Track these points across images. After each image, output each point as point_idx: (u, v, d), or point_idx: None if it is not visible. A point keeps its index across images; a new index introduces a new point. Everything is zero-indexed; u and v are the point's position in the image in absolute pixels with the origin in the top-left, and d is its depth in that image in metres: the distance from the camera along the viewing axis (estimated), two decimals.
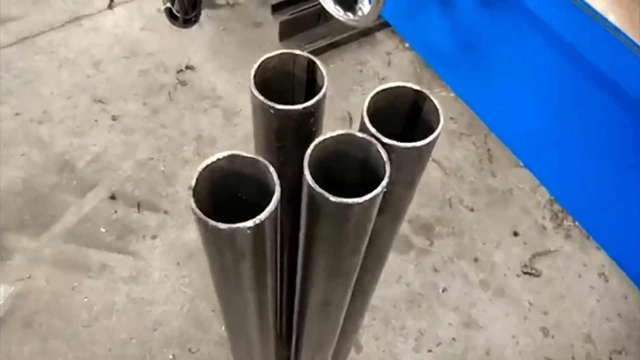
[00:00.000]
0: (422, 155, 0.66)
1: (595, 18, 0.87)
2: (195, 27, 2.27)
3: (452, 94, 2.02)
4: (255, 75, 0.66)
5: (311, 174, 0.59)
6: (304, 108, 0.64)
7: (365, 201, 0.59)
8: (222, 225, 0.56)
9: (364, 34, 2.22)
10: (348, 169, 0.68)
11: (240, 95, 2.07)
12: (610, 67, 0.95)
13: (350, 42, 2.22)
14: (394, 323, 1.65)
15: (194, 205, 0.57)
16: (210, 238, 0.60)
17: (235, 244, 0.59)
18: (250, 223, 0.57)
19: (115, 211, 1.82)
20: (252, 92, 0.64)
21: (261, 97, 0.64)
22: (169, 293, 1.66)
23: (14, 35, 2.25)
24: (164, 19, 2.16)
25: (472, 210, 1.84)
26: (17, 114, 2.02)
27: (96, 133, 1.99)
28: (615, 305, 1.68)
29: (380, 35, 2.24)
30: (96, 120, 2.03)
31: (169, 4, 1.84)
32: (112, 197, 1.85)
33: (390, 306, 1.67)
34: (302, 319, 0.89)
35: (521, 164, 1.83)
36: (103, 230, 1.79)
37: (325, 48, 2.19)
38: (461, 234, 1.79)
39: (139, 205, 1.85)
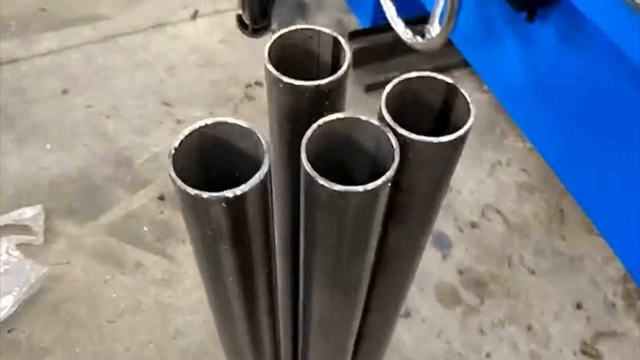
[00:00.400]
0: (444, 155, 0.59)
1: None
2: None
3: (529, 145, 1.91)
4: (271, 48, 0.61)
5: (311, 160, 0.53)
6: (316, 86, 0.58)
7: (365, 191, 0.51)
8: (192, 191, 0.50)
9: (442, 70, 2.16)
10: (358, 164, 0.61)
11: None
12: None
13: None
14: None
15: (171, 170, 0.53)
16: (186, 209, 0.55)
17: (211, 219, 0.53)
18: (228, 193, 0.50)
19: (162, 212, 1.84)
20: (265, 65, 0.59)
21: (271, 68, 0.59)
22: (196, 303, 1.62)
23: (101, 33, 2.39)
24: (243, 34, 2.23)
25: (533, 272, 1.69)
26: (88, 106, 2.12)
27: (159, 134, 2.05)
28: None
29: (458, 73, 2.17)
30: (161, 122, 2.09)
31: (240, 11, 1.88)
32: (161, 198, 1.87)
33: None
34: (305, 343, 0.81)
35: (596, 230, 1.68)
36: (146, 229, 1.80)
37: None
38: (517, 297, 1.64)
39: None
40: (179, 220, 1.80)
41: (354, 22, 2.40)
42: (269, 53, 0.60)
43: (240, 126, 0.57)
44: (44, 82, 2.22)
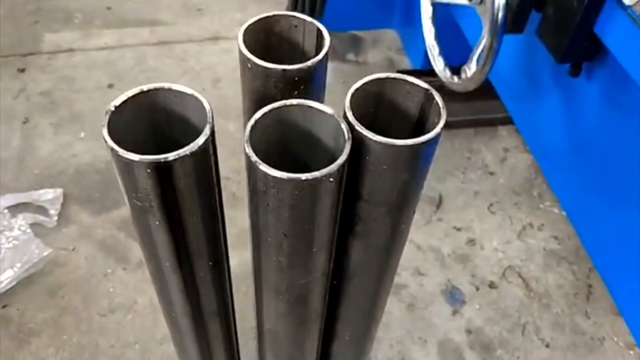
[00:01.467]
0: (405, 162, 0.56)
1: None
2: None
3: (565, 212, 1.87)
4: (249, 30, 0.61)
5: (264, 149, 0.52)
6: (283, 70, 0.58)
7: (304, 180, 0.49)
8: (120, 151, 0.49)
9: (485, 123, 2.17)
10: (318, 160, 0.60)
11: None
12: None
13: (467, 128, 2.18)
14: None
15: (104, 129, 0.52)
16: (118, 175, 0.54)
17: (138, 185, 0.52)
18: (155, 158, 0.48)
19: None
20: (238, 44, 0.59)
21: (243, 47, 0.59)
22: None
23: (157, 37, 2.55)
24: None
25: (547, 345, 1.61)
26: None
27: None
28: None
29: (503, 130, 2.17)
30: None
31: None
32: None
33: None
34: (261, 353, 0.80)
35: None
36: None
37: None
38: None
39: None
40: None
41: (405, 63, 2.45)
42: (245, 34, 0.61)
43: (184, 93, 0.56)
44: (93, 74, 2.36)
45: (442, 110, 0.57)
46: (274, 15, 0.64)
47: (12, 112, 2.18)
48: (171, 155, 0.50)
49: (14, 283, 1.69)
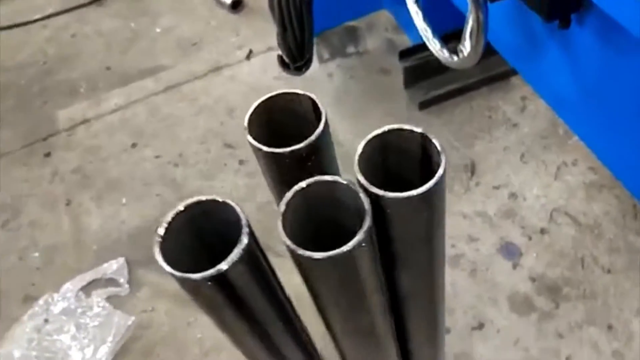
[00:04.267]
0: (421, 206, 0.71)
1: None
2: (324, 75, 2.72)
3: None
4: (251, 116, 0.79)
5: (298, 223, 0.69)
6: (290, 152, 0.75)
7: (341, 254, 0.64)
8: (180, 275, 0.66)
9: (497, 78, 2.45)
10: (346, 218, 0.75)
11: (358, 142, 2.41)
12: None
13: (481, 88, 2.46)
14: None
15: (158, 256, 0.67)
16: (180, 286, 0.70)
17: (201, 292, 0.70)
18: (209, 273, 0.64)
19: None
20: (247, 139, 0.74)
21: (250, 139, 0.77)
22: None
23: (163, 83, 2.86)
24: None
25: (608, 271, 1.91)
26: (157, 157, 2.56)
27: (224, 176, 2.44)
28: None
29: (516, 80, 2.44)
30: (225, 164, 2.49)
31: (279, 52, 2.22)
32: None
33: None
34: None
35: None
36: None
37: (451, 93, 2.45)
38: (593, 298, 1.87)
39: None
40: None
41: (405, 40, 2.73)
42: (251, 119, 0.80)
43: (218, 201, 0.71)
44: (115, 138, 2.67)
45: (440, 151, 0.73)
46: (269, 98, 0.84)
47: (53, 197, 2.50)
48: (224, 265, 0.67)
49: (110, 357, 2.01)
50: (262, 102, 0.84)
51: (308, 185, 0.75)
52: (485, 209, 2.13)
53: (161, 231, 0.71)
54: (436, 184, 0.70)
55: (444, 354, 1.38)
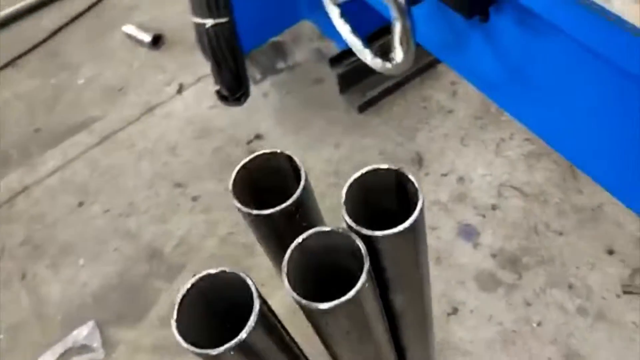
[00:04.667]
0: (407, 237, 0.81)
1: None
2: (259, 96, 2.80)
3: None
4: (236, 178, 0.87)
5: (302, 271, 0.78)
6: (278, 211, 0.83)
7: (347, 301, 0.73)
8: (198, 350, 0.72)
9: (425, 68, 2.59)
10: (342, 258, 0.83)
11: (308, 155, 2.51)
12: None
13: (412, 80, 2.59)
14: None
15: (177, 334, 0.74)
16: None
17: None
18: (231, 344, 0.70)
19: None
20: (235, 205, 0.82)
21: (237, 203, 0.85)
22: None
23: (97, 135, 2.85)
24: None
25: (560, 234, 2.07)
26: (106, 211, 2.56)
27: (179, 217, 2.47)
28: None
29: (442, 67, 2.59)
30: (178, 204, 2.52)
31: (217, 86, 2.31)
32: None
33: (483, 349, 1.93)
34: None
35: None
36: None
37: (387, 91, 2.57)
38: (551, 261, 2.02)
39: None
40: None
41: (332, 47, 2.81)
42: (235, 183, 0.87)
43: (228, 273, 0.78)
44: (58, 200, 2.65)
45: (416, 185, 0.83)
46: (249, 160, 0.93)
47: (6, 275, 2.46)
48: (243, 334, 0.75)
49: None
50: (242, 167, 0.91)
51: (304, 240, 0.83)
52: (438, 197, 2.26)
53: (175, 314, 0.77)
54: (418, 216, 0.79)
55: (434, 350, 1.49)
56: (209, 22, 2.01)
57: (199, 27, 2.04)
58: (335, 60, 2.62)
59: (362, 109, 2.58)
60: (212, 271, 0.81)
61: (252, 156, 0.94)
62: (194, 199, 2.54)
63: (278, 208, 0.86)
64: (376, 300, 0.91)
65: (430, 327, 1.27)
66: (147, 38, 3.13)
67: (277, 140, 2.63)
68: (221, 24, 2.03)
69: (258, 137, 2.66)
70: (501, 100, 1.86)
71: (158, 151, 2.75)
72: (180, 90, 2.95)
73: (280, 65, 2.90)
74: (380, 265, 0.85)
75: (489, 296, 2.01)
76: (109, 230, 2.53)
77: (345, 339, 0.92)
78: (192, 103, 2.89)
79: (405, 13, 1.42)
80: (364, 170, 0.86)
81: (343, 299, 0.76)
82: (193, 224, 2.46)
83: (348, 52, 2.60)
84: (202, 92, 2.90)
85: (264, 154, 0.94)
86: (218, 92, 2.23)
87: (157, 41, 3.15)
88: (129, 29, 3.21)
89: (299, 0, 2.80)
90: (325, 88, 2.72)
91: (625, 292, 1.90)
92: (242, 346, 0.76)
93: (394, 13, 1.44)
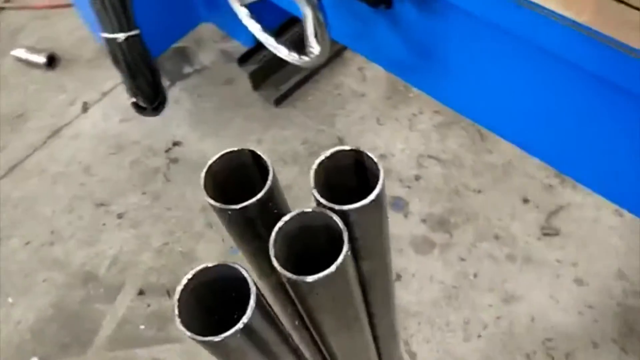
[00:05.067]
0: (376, 205, 0.90)
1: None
2: (171, 102, 2.83)
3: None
4: (206, 177, 0.91)
5: (282, 254, 0.83)
6: (248, 205, 0.89)
7: (331, 273, 0.82)
8: (197, 337, 0.76)
9: (333, 57, 2.75)
10: (315, 239, 0.92)
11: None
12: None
13: (322, 69, 2.74)
14: (438, 322, 2.09)
15: (178, 322, 0.77)
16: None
17: (223, 351, 0.82)
18: (239, 326, 0.75)
19: (149, 305, 2.26)
20: (207, 201, 0.87)
21: (210, 200, 0.90)
22: None
23: (2, 167, 2.76)
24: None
25: (479, 191, 2.30)
26: (27, 243, 2.49)
27: (107, 236, 2.46)
28: (636, 237, 2.09)
29: (348, 53, 2.76)
30: (104, 224, 2.51)
31: (133, 99, 2.34)
32: (141, 293, 2.30)
33: (430, 308, 2.12)
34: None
35: None
36: (142, 327, 2.21)
37: (300, 83, 2.70)
38: (476, 218, 2.24)
39: (168, 293, 2.32)
40: (168, 304, 2.24)
41: (238, 47, 2.84)
42: (206, 182, 0.92)
43: (227, 266, 0.81)
44: None
45: (375, 161, 0.91)
46: (215, 160, 0.97)
47: None
48: (245, 318, 0.79)
49: None
50: (210, 166, 0.96)
51: (286, 222, 0.90)
52: None
53: (176, 311, 0.82)
54: (381, 191, 0.90)
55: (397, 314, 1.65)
56: (121, 36, 2.05)
57: (110, 43, 2.07)
58: (243, 59, 2.72)
59: (278, 102, 2.70)
60: (210, 265, 0.88)
61: (215, 157, 0.99)
62: (120, 215, 2.54)
63: (255, 198, 0.93)
64: (353, 267, 1.01)
65: (393, 292, 1.41)
66: (41, 59, 3.05)
67: (197, 145, 2.69)
68: (132, 36, 2.07)
69: (176, 144, 2.71)
70: (409, 77, 2.04)
71: (72, 173, 2.70)
72: (85, 108, 2.92)
73: (187, 69, 2.95)
74: (352, 236, 0.96)
75: (426, 258, 2.20)
76: (33, 262, 2.47)
77: (332, 307, 1.03)
78: (100, 120, 2.87)
79: (317, 7, 1.53)
80: (327, 154, 0.95)
81: (332, 267, 0.86)
82: (124, 241, 2.47)
83: (255, 50, 2.71)
84: (109, 107, 2.89)
85: (227, 152, 0.99)
86: (135, 104, 2.26)
87: (52, 61, 3.08)
88: (19, 52, 3.11)
89: (196, 4, 2.84)
90: (237, 87, 2.81)
91: (544, 235, 2.16)
92: (246, 330, 0.82)
93: (304, 8, 1.55)
